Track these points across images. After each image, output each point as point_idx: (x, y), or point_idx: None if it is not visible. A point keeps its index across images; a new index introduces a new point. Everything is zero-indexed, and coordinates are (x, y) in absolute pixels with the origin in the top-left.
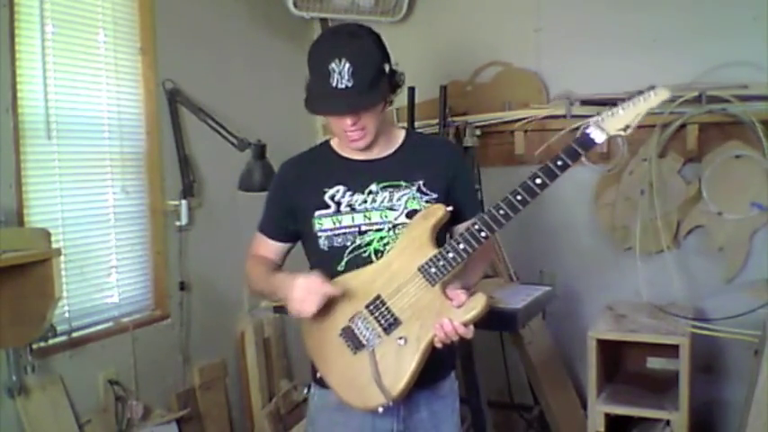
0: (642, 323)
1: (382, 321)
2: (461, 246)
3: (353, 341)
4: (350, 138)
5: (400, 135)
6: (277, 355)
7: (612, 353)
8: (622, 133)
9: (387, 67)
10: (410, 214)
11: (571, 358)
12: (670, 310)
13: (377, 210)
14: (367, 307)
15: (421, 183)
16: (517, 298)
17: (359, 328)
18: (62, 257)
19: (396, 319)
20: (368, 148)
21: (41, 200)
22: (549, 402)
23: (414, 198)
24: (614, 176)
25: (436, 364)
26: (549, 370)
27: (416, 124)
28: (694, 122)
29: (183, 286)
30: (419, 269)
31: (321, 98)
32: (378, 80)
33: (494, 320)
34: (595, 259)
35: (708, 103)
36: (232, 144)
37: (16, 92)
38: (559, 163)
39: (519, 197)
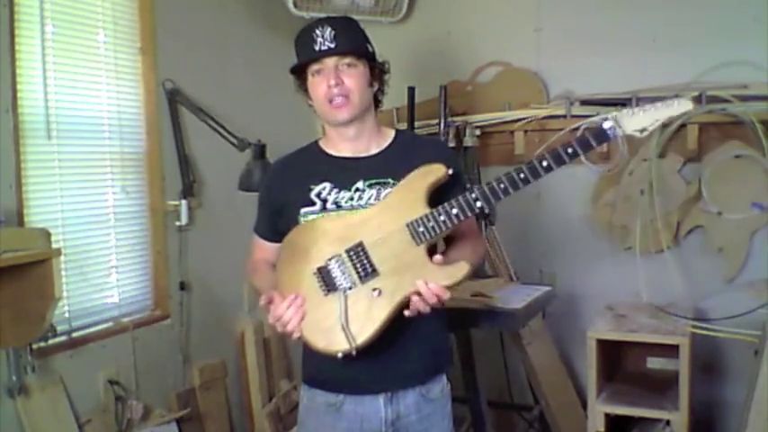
0: (642, 323)
1: (360, 269)
2: (454, 210)
3: (327, 282)
4: (333, 105)
5: (390, 134)
6: (277, 355)
7: (612, 353)
8: (638, 134)
9: (369, 48)
10: None
11: (571, 358)
12: (670, 310)
13: (363, 207)
14: (347, 251)
15: None
16: (517, 298)
17: (335, 271)
18: (62, 257)
19: (374, 270)
20: (351, 122)
21: (41, 200)
22: (549, 402)
23: None
24: (614, 176)
25: (426, 361)
26: (549, 370)
27: (416, 124)
28: (694, 122)
29: (183, 286)
30: (407, 225)
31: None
32: (361, 45)
33: (494, 320)
34: (595, 259)
35: (708, 103)
36: (232, 144)
37: (16, 92)
38: (569, 150)
39: (522, 175)
